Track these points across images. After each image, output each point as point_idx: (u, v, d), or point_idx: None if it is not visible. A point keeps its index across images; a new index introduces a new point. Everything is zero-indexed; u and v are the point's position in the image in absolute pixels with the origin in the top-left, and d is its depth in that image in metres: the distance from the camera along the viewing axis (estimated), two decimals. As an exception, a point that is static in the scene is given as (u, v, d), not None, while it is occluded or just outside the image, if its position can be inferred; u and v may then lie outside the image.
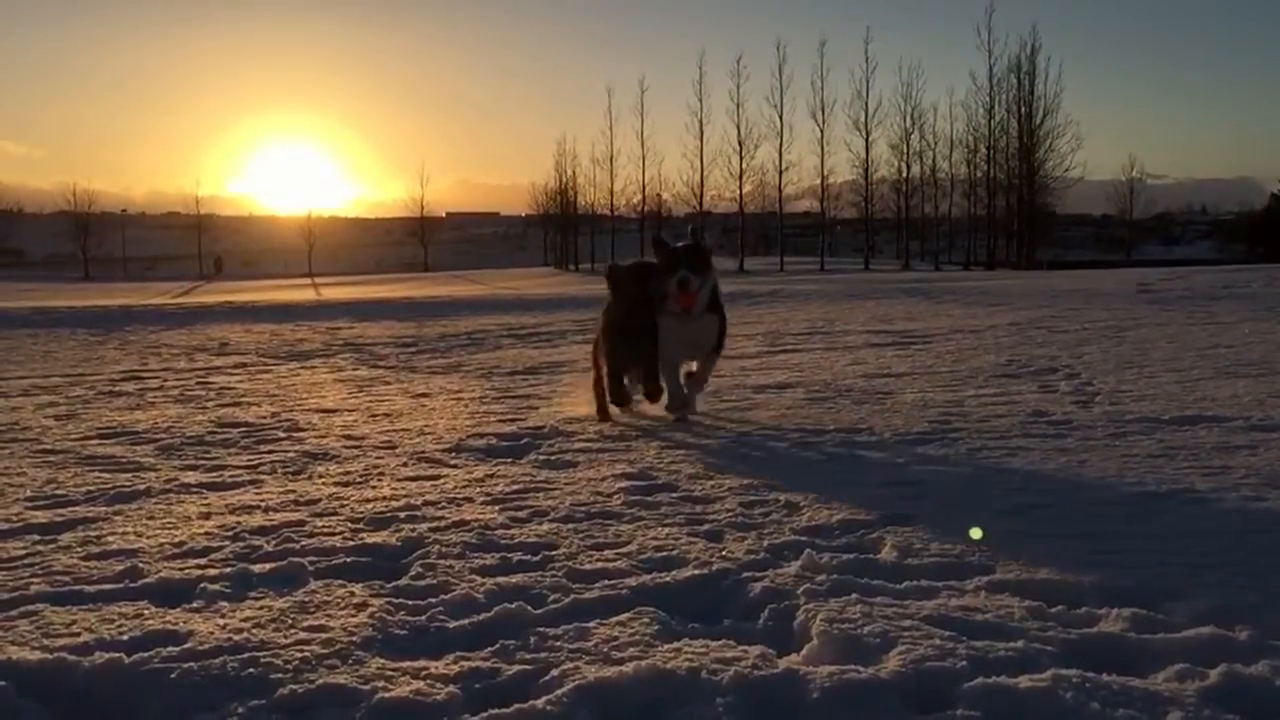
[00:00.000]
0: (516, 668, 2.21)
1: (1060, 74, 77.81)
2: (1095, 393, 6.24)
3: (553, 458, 4.72)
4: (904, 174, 64.09)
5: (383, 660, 2.27)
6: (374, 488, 4.13)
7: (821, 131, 61.56)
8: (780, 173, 61.53)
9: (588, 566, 2.95)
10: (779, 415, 5.82)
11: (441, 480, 4.25)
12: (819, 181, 62.32)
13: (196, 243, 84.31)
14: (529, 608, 2.58)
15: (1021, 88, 61.06)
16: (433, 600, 2.66)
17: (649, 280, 5.74)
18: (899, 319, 13.20)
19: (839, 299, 18.52)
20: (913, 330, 11.45)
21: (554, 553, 3.11)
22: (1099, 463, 4.23)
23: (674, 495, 3.87)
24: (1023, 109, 61.17)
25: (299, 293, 34.39)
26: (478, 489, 4.05)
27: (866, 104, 61.44)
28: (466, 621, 2.51)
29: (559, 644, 2.34)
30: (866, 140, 61.85)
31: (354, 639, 2.38)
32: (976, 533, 3.11)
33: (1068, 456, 4.39)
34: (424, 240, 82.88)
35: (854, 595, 2.59)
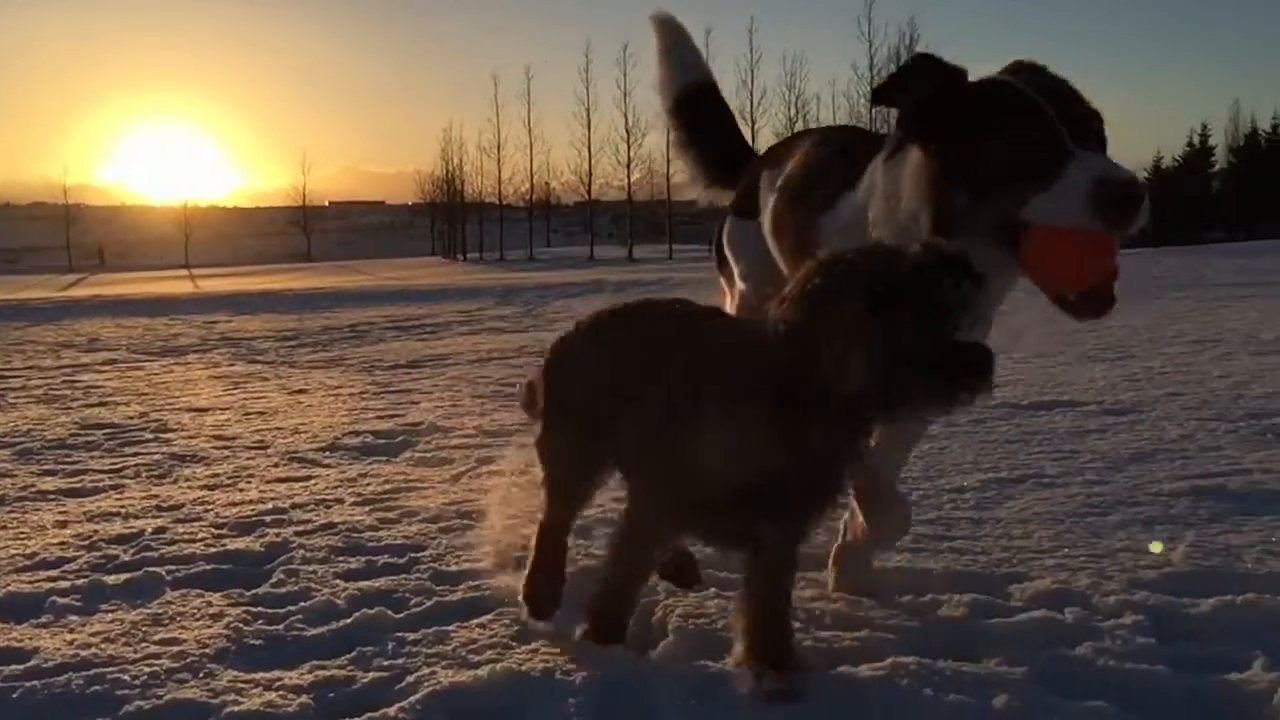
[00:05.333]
0: (372, 675, 2.21)
1: (938, 64, 79.70)
2: (962, 379, 6.45)
3: (429, 455, 4.69)
4: (790, 162, 65.05)
5: (235, 672, 2.24)
6: (241, 491, 4.05)
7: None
8: (668, 161, 61.79)
9: (453, 568, 2.95)
10: (658, 407, 5.87)
11: (312, 481, 4.20)
12: (707, 169, 62.96)
13: (65, 234, 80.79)
14: (390, 613, 2.57)
15: (901, 78, 62.48)
16: (292, 608, 2.63)
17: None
18: (782, 307, 13.40)
19: (725, 287, 18.71)
20: (794, 318, 11.65)
21: (421, 554, 3.10)
22: (958, 449, 4.39)
23: (548, 491, 3.88)
24: (903, 99, 62.61)
25: (175, 285, 33.31)
26: (349, 489, 4.00)
27: (751, 93, 62.25)
28: (325, 629, 2.50)
29: (417, 649, 2.34)
30: (752, 129, 62.46)
31: (207, 651, 2.35)
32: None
33: (930, 443, 4.53)
34: (307, 230, 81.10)
35: (712, 589, 2.65)
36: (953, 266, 1.85)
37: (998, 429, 4.81)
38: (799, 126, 62.46)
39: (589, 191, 62.94)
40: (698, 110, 3.35)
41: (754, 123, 62.22)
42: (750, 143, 3.43)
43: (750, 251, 2.92)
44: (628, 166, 61.92)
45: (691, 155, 3.36)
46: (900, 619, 2.46)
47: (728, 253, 3.06)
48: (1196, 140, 62.55)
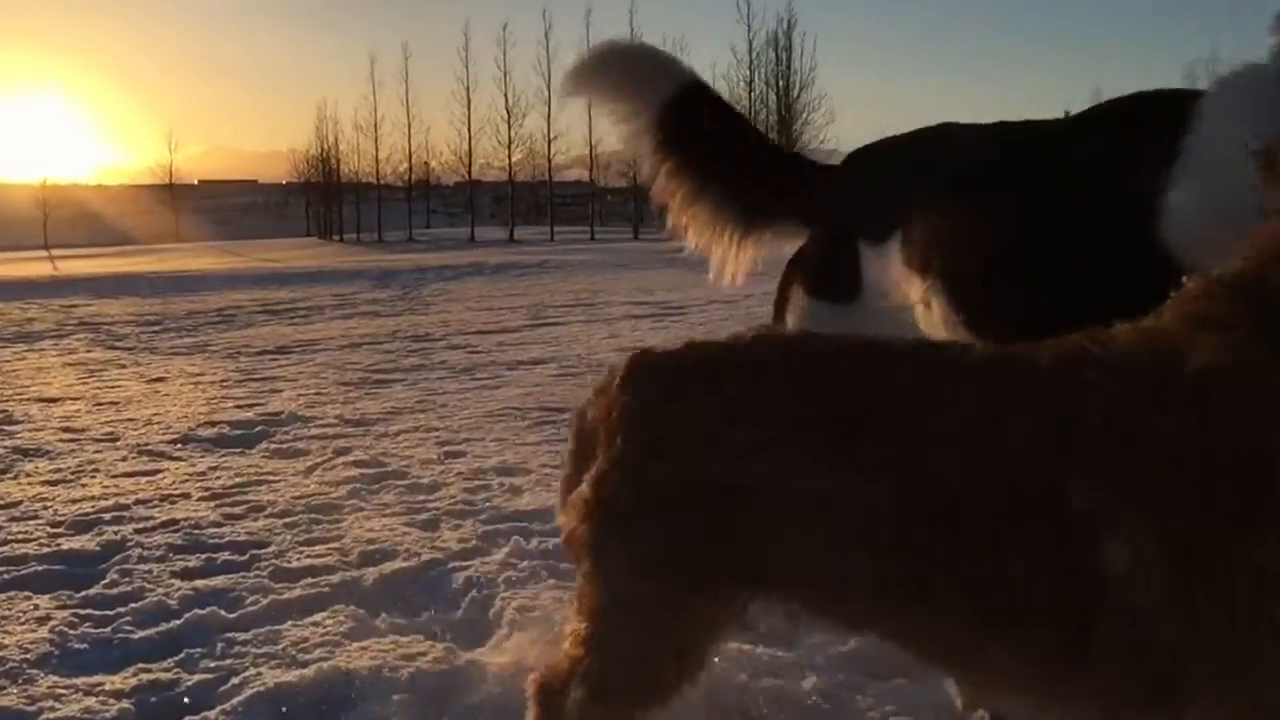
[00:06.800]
0: (198, 677, 2.20)
1: (815, 49, 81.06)
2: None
3: (285, 446, 4.63)
4: (672, 144, 65.29)
5: (56, 678, 2.21)
6: (84, 486, 3.95)
7: (589, 101, 62.05)
8: (549, 141, 61.54)
9: (295, 564, 2.94)
10: (525, 393, 5.90)
11: (160, 475, 4.11)
12: (588, 150, 62.73)
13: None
14: (223, 612, 2.55)
15: (779, 62, 63.25)
16: (122, 609, 2.60)
17: None
18: (660, 289, 13.52)
19: (605, 269, 18.80)
20: (671, 301, 11.77)
21: (263, 551, 3.08)
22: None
23: (402, 483, 3.88)
24: (780, 83, 63.41)
25: (32, 267, 31.80)
26: (197, 484, 3.93)
27: (633, 74, 62.14)
28: (154, 631, 2.47)
29: (246, 649, 2.34)
30: (635, 110, 62.60)
31: (28, 656, 2.31)
32: None
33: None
34: (175, 209, 78.40)
35: (551, 581, 2.69)
36: None
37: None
38: (681, 107, 62.33)
39: (469, 172, 62.04)
40: (700, 125, 2.21)
41: (636, 105, 62.29)
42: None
43: None
44: (508, 147, 61.20)
45: (710, 200, 2.23)
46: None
47: None
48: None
